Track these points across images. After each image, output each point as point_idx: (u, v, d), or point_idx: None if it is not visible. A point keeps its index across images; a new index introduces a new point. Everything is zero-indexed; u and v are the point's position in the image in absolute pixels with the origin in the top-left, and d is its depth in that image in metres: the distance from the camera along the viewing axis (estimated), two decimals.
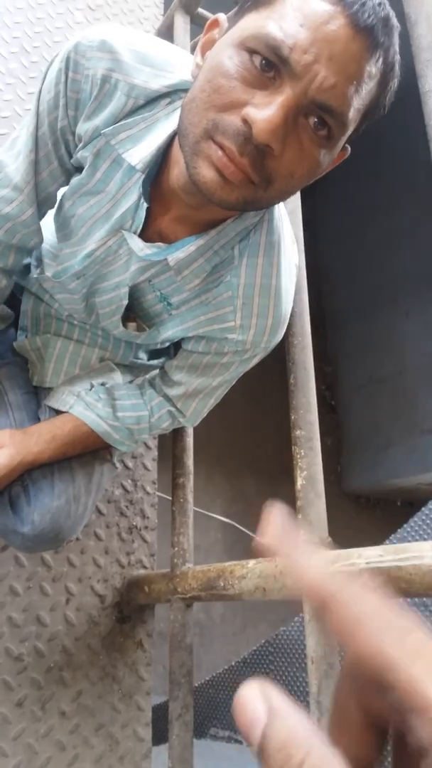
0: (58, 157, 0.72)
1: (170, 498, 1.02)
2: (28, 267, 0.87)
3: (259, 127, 0.52)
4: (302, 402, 0.83)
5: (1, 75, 1.34)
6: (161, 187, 0.69)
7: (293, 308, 0.86)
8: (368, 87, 0.56)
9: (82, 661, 1.00)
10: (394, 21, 0.57)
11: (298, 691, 1.67)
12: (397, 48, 0.58)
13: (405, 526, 1.54)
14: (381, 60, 0.56)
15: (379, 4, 0.55)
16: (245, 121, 0.54)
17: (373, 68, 0.56)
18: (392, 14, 0.56)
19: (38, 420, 0.86)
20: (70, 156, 0.72)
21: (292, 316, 0.86)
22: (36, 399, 0.89)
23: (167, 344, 0.95)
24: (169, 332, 0.80)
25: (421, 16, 0.81)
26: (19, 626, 0.97)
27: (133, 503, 1.17)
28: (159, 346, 0.95)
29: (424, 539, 1.49)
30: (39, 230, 0.77)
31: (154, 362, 0.96)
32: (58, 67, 0.67)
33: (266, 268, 0.72)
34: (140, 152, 0.67)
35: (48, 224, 0.83)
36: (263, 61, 0.53)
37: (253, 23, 0.55)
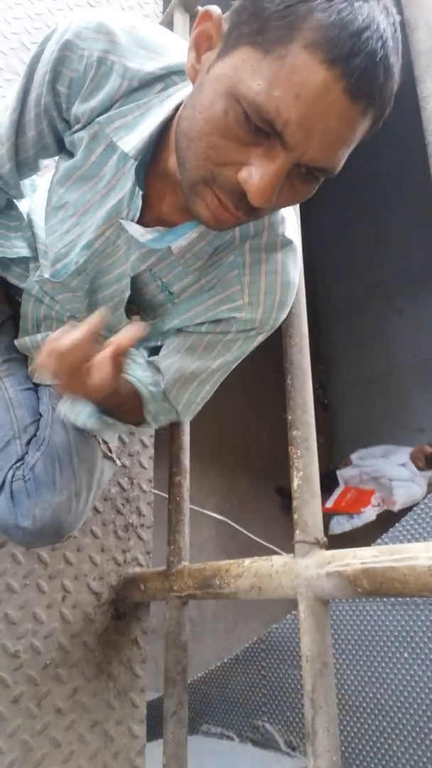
0: (39, 130, 0.73)
1: (166, 496, 1.02)
2: (27, 269, 0.87)
3: (254, 195, 0.55)
4: (299, 403, 0.84)
5: (0, 71, 1.34)
6: (157, 173, 0.69)
7: (291, 309, 0.86)
8: (361, 132, 0.55)
9: (78, 658, 1.01)
10: (397, 44, 0.52)
11: (289, 689, 1.69)
12: (397, 77, 0.54)
13: (396, 525, 1.56)
14: (377, 109, 0.54)
15: (382, 46, 0.50)
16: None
17: (368, 121, 0.54)
18: (395, 38, 0.52)
19: (39, 416, 0.86)
20: (53, 131, 0.74)
21: (289, 316, 0.87)
22: (36, 395, 0.89)
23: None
24: (174, 321, 0.80)
25: (420, 21, 0.82)
26: (15, 623, 0.97)
27: (129, 501, 1.18)
28: (161, 342, 0.95)
29: (416, 539, 1.50)
30: (18, 185, 0.80)
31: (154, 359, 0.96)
32: (52, 47, 0.68)
33: (270, 245, 0.73)
34: (133, 140, 0.67)
35: (39, 223, 0.83)
36: (257, 126, 0.53)
37: (248, 73, 0.52)
